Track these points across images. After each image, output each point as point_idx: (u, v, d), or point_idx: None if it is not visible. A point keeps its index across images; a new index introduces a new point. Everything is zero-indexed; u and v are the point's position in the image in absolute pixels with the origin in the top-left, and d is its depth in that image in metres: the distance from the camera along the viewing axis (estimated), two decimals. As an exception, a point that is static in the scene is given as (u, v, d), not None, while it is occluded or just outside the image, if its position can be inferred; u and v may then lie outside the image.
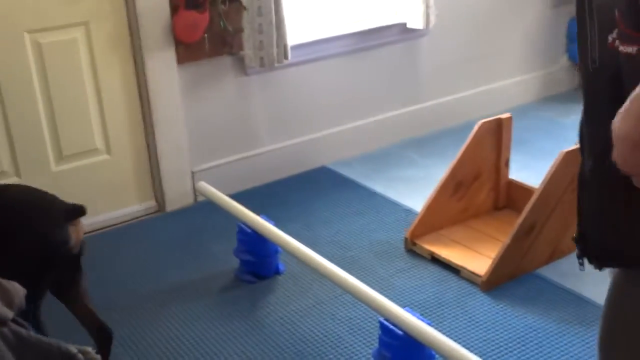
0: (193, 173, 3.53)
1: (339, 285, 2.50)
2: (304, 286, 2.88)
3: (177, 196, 3.50)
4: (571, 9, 4.61)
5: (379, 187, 3.64)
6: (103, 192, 3.37)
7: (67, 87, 3.19)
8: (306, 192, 3.62)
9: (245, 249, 2.88)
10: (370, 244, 3.16)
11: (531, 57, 4.56)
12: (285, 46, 3.51)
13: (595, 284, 2.80)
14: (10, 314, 1.27)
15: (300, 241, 2.71)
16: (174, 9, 3.27)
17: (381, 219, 3.35)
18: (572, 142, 2.95)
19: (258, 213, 2.89)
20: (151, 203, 3.52)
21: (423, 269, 2.95)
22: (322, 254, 2.92)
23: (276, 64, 3.50)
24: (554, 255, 2.95)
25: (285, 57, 3.53)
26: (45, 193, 2.18)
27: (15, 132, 3.12)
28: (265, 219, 2.83)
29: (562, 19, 4.62)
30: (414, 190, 3.58)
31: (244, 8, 3.40)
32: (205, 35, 3.35)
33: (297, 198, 3.57)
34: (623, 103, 1.08)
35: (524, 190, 3.17)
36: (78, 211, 2.15)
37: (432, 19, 3.90)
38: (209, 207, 3.25)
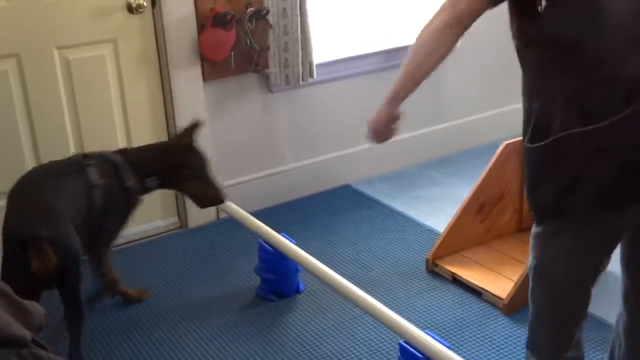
0: (217, 190, 3.54)
1: (359, 306, 2.49)
2: (324, 306, 2.88)
3: (199, 213, 3.51)
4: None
5: (401, 206, 3.64)
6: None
7: (94, 103, 3.23)
8: (328, 211, 3.62)
9: (266, 267, 2.89)
10: (391, 264, 3.15)
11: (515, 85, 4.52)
12: (310, 64, 3.52)
13: (612, 306, 2.77)
14: (29, 335, 1.28)
15: (321, 260, 2.71)
16: (201, 27, 3.30)
17: (403, 239, 3.34)
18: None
19: (280, 231, 2.89)
20: (174, 219, 3.54)
21: (444, 291, 2.93)
22: (343, 274, 2.92)
23: (301, 82, 3.52)
24: (578, 279, 2.92)
25: (311, 75, 3.55)
26: None
27: (42, 146, 3.16)
28: (286, 237, 2.83)
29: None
30: (437, 210, 3.57)
31: (270, 26, 3.42)
32: (232, 52, 3.37)
33: (320, 216, 3.57)
34: None
35: (548, 213, 3.14)
36: None
37: (458, 38, 3.89)
38: (231, 224, 3.26)
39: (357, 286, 2.53)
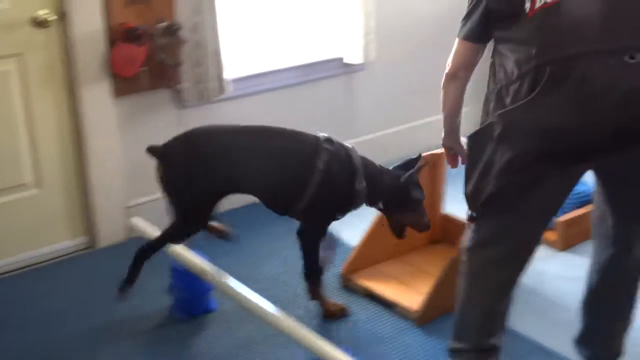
0: (128, 208, 3.48)
1: (270, 324, 2.48)
2: (237, 324, 2.85)
3: (110, 231, 3.44)
4: (507, 45, 4.72)
5: (317, 221, 3.64)
6: (31, 227, 3.30)
7: (-2, 120, 3.13)
8: (243, 227, 3.59)
9: (179, 287, 2.85)
10: (306, 279, 3.14)
11: (469, 91, 4.62)
12: (223, 80, 3.51)
13: (524, 317, 2.85)
14: None
15: (235, 277, 2.69)
16: (112, 42, 3.24)
17: (318, 254, 3.34)
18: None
19: (192, 248, 2.86)
20: (82, 239, 3.45)
21: (358, 305, 2.95)
22: (257, 290, 2.91)
23: (214, 98, 3.50)
24: (487, 290, 2.98)
25: (224, 90, 3.53)
26: None
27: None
28: (199, 254, 2.80)
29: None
30: (351, 225, 3.56)
31: (183, 41, 3.39)
32: (143, 68, 3.32)
33: (234, 233, 3.54)
34: None
35: (459, 224, 3.20)
36: None
37: (372, 53, 3.95)
38: (142, 242, 3.19)
39: (272, 303, 2.53)
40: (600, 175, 2.21)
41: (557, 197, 2.18)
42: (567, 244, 3.35)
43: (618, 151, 2.01)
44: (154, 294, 3.03)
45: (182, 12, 3.34)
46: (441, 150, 3.21)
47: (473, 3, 2.14)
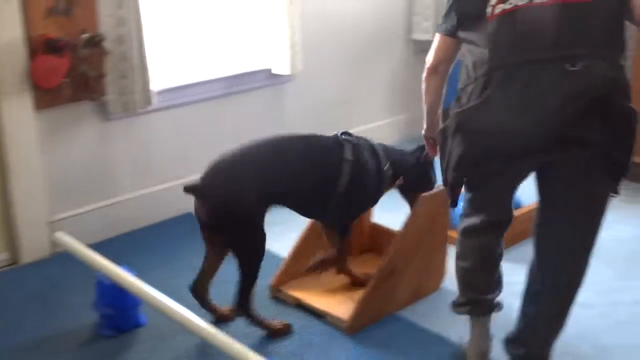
0: (52, 222, 3.39)
1: (201, 337, 2.45)
2: (166, 339, 2.81)
3: (33, 247, 3.35)
4: (431, 56, 4.81)
5: (246, 232, 3.62)
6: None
7: None
8: (171, 240, 3.56)
9: (105, 302, 2.79)
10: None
11: (396, 100, 4.71)
12: (149, 91, 3.46)
13: (452, 324, 2.90)
14: None
15: (164, 291, 2.65)
16: (32, 53, 3.17)
17: (247, 266, 3.32)
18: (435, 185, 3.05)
19: (119, 263, 2.81)
20: (4, 255, 3.35)
21: (289, 316, 2.94)
22: (186, 304, 2.87)
23: (140, 110, 3.45)
24: (415, 296, 3.03)
25: (149, 102, 3.48)
26: None
27: None
28: (126, 270, 2.75)
29: (423, 66, 4.79)
30: (281, 235, 3.58)
31: (106, 53, 3.33)
32: (66, 80, 3.25)
33: (162, 246, 3.50)
34: None
35: (387, 234, 3.25)
36: None
37: (299, 65, 3.97)
38: (67, 258, 3.12)
39: (200, 316, 2.50)
40: (538, 177, 2.35)
41: (507, 187, 2.37)
42: (493, 250, 3.41)
43: (552, 153, 2.17)
44: (79, 310, 2.96)
45: (106, 23, 3.29)
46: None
47: (450, 2, 2.31)
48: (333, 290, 3.06)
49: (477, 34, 2.20)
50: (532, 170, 2.31)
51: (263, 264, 3.28)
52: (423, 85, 2.52)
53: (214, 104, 3.87)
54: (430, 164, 2.98)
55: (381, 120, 4.65)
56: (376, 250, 3.30)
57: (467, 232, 2.49)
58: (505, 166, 2.24)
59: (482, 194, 2.40)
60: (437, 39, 2.40)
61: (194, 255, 3.40)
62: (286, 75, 4.02)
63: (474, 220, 2.44)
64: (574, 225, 2.33)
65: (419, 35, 4.60)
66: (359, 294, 2.90)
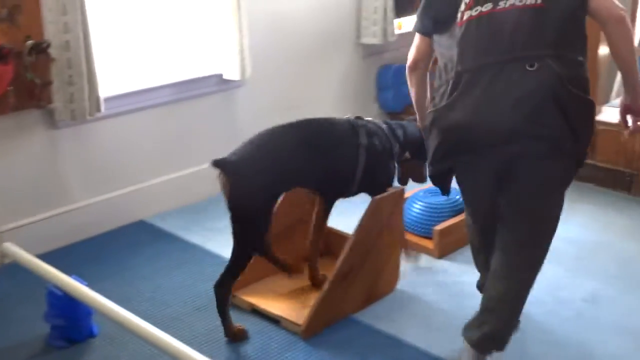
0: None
1: (155, 345, 2.43)
2: (119, 348, 2.77)
3: (-20, 259, 3.28)
4: (379, 60, 4.86)
5: (198, 239, 3.61)
6: None
7: None
8: (123, 248, 3.52)
9: (56, 313, 2.75)
10: (189, 298, 3.11)
11: (344, 105, 4.73)
12: (97, 98, 3.42)
13: (407, 325, 2.93)
14: None
15: (116, 300, 2.62)
16: (-25, 61, 3.10)
17: (201, 272, 3.31)
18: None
19: (70, 273, 2.77)
20: (-49, 268, 3.27)
21: (243, 322, 2.93)
22: (139, 312, 2.85)
23: (88, 117, 3.40)
24: (370, 299, 3.05)
25: (98, 109, 3.44)
26: None
27: None
28: (77, 279, 2.71)
29: (372, 69, 4.85)
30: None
31: (53, 60, 3.28)
32: (10, 88, 3.19)
33: (113, 254, 3.46)
34: None
35: (340, 238, 3.25)
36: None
37: (248, 70, 3.96)
38: (17, 268, 3.06)
39: (154, 324, 2.49)
40: (496, 176, 2.44)
41: (481, 185, 2.49)
42: (443, 252, 3.46)
43: (513, 145, 2.31)
44: (30, 322, 2.91)
45: (51, 29, 3.24)
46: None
47: (423, 5, 2.51)
48: (288, 295, 3.06)
49: (446, 39, 2.40)
50: (498, 166, 2.39)
51: (217, 270, 3.27)
52: (408, 83, 2.70)
53: (165, 110, 3.84)
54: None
55: (332, 124, 4.67)
56: (331, 254, 3.31)
57: (468, 233, 2.80)
58: (472, 159, 2.41)
59: (464, 193, 2.61)
60: (415, 37, 2.59)
61: (145, 264, 3.38)
62: (237, 80, 4.01)
63: (469, 228, 2.77)
64: (529, 220, 2.44)
65: (367, 40, 4.63)
66: (313, 298, 2.91)
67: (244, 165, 2.68)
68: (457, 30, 2.35)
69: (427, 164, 2.56)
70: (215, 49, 3.96)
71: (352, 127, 2.91)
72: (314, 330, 2.84)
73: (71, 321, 2.76)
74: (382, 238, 3.01)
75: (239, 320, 2.94)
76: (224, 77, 3.97)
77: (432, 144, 2.46)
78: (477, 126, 2.32)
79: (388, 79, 4.82)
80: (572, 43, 2.31)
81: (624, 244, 3.58)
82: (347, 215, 3.68)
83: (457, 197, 3.59)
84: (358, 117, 2.99)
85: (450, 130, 2.39)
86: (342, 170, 2.88)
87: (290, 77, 4.38)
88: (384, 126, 3.00)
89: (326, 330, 2.87)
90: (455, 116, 2.35)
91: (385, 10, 4.57)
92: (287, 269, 2.89)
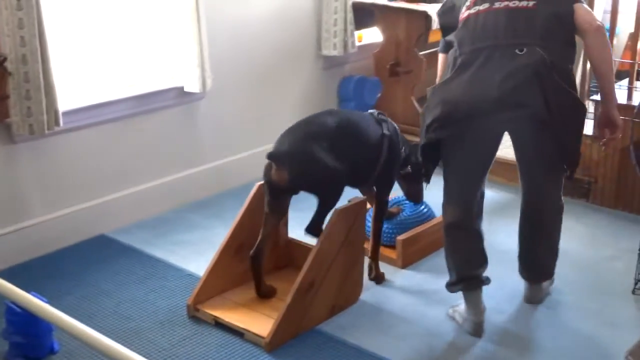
0: (-44, 250, 3.27)
1: (117, 361, 2.40)
2: (81, 364, 2.74)
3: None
4: (340, 71, 4.88)
5: (161, 252, 3.58)
6: None
7: None
8: (84, 263, 3.47)
9: (15, 330, 2.70)
10: (152, 313, 3.08)
11: (306, 116, 4.74)
12: (56, 112, 3.38)
13: (372, 335, 2.94)
14: None
15: (77, 316, 2.59)
16: None
17: (164, 286, 3.28)
18: (347, 199, 3.09)
19: (30, 289, 2.72)
20: None
21: (207, 335, 2.92)
22: (101, 328, 2.83)
23: (47, 131, 3.36)
24: (334, 310, 3.05)
25: (57, 123, 3.39)
26: None
27: None
28: (36, 296, 2.67)
29: (334, 80, 4.87)
30: (198, 254, 3.56)
31: (9, 74, 3.23)
32: (-34, 102, 3.15)
33: (74, 270, 3.41)
34: None
35: (303, 249, 3.26)
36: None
37: (209, 82, 3.95)
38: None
39: (116, 339, 2.46)
40: (512, 140, 2.92)
41: (471, 155, 2.82)
42: (407, 262, 3.48)
43: (499, 114, 2.66)
44: (-12, 340, 2.85)
45: (8, 43, 3.20)
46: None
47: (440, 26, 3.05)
48: (251, 307, 3.05)
49: (453, 36, 2.81)
50: (490, 134, 2.79)
51: (180, 283, 3.27)
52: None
53: (125, 123, 3.80)
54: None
55: (294, 136, 4.68)
56: (293, 265, 3.31)
57: (446, 213, 2.93)
58: (465, 127, 2.72)
59: (452, 164, 2.85)
60: (439, 57, 3.06)
61: (107, 279, 3.34)
62: (197, 93, 3.99)
63: (449, 201, 2.91)
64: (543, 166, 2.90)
65: (328, 51, 4.65)
66: (277, 310, 2.90)
67: (296, 152, 2.91)
68: (459, 26, 2.78)
69: (424, 131, 2.78)
70: (176, 62, 3.95)
71: (376, 119, 3.17)
72: (278, 342, 2.83)
73: (31, 338, 2.71)
74: (345, 249, 3.01)
75: (202, 334, 2.93)
76: (185, 89, 3.95)
77: (429, 117, 2.74)
78: (471, 98, 2.65)
79: (349, 91, 4.84)
80: (556, 37, 2.67)
81: (582, 251, 3.64)
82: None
83: (422, 207, 3.63)
84: (380, 114, 3.23)
85: (448, 103, 2.69)
86: (369, 157, 3.10)
87: (252, 89, 4.38)
88: (397, 132, 3.25)
89: (291, 342, 2.86)
90: (452, 90, 2.69)
91: (345, 22, 4.60)
92: None
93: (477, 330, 2.91)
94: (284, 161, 2.89)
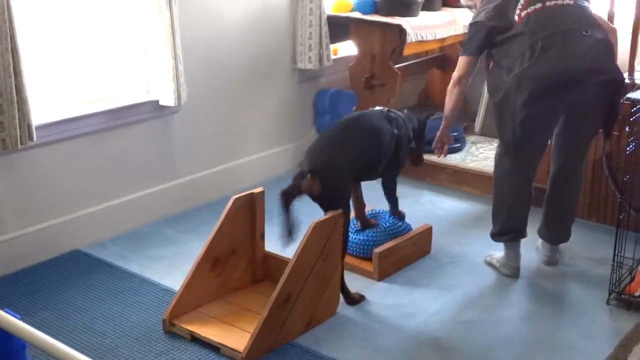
0: None
1: (92, 378, 2.37)
2: (55, 382, 2.70)
3: None
4: (316, 84, 4.89)
5: (136, 267, 3.55)
6: None
7: None
8: (58, 279, 3.44)
9: (-13, 348, 2.65)
10: (127, 328, 3.05)
11: (282, 130, 4.75)
12: (29, 126, 3.34)
13: (349, 348, 2.94)
14: None
15: (51, 332, 2.56)
16: None
17: (139, 302, 3.26)
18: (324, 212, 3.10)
19: (2, 306, 2.68)
20: None
21: (183, 350, 2.90)
22: (75, 344, 2.81)
23: (20, 146, 3.32)
24: (310, 324, 3.04)
25: (30, 138, 3.36)
26: None
27: None
28: (9, 312, 2.62)
29: (309, 94, 4.88)
30: (173, 269, 3.53)
31: (-19, 88, 3.20)
32: (-63, 117, 3.11)
33: (48, 286, 3.37)
34: None
35: (280, 262, 3.26)
36: None
37: (184, 96, 3.94)
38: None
39: (91, 356, 2.44)
40: (567, 109, 3.31)
41: (555, 123, 3.38)
42: (383, 275, 3.48)
43: (587, 80, 3.20)
44: (-41, 359, 2.81)
45: (-20, 56, 3.17)
46: (260, 189, 3.31)
47: (474, 30, 3.40)
48: (228, 322, 3.03)
49: (512, 32, 3.26)
50: (565, 105, 3.28)
51: (156, 298, 3.24)
52: (447, 95, 3.53)
53: (100, 137, 3.77)
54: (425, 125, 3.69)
55: (268, 150, 4.67)
56: (270, 279, 3.31)
57: (513, 178, 3.41)
58: (557, 98, 3.23)
59: (534, 141, 3.35)
60: (461, 60, 3.45)
61: (81, 294, 3.31)
62: (172, 107, 3.98)
63: (522, 169, 3.41)
64: (583, 128, 3.42)
65: (303, 65, 4.66)
66: (254, 324, 2.89)
67: (328, 166, 3.14)
68: (520, 24, 3.25)
69: (513, 119, 3.26)
70: (151, 75, 3.94)
71: (388, 119, 3.45)
72: (254, 357, 2.82)
73: (3, 356, 2.66)
74: (322, 262, 3.01)
75: (178, 349, 2.91)
76: (160, 103, 3.94)
77: (520, 97, 3.20)
78: (565, 69, 3.18)
79: (325, 104, 4.85)
80: (595, 21, 3.31)
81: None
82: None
83: (399, 224, 3.64)
84: (389, 110, 3.52)
85: (541, 78, 3.17)
86: (381, 158, 3.39)
87: (227, 102, 4.37)
88: (405, 118, 3.55)
89: (267, 357, 2.85)
90: (540, 69, 3.17)
91: (320, 35, 4.62)
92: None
93: (515, 273, 3.48)
94: (320, 176, 3.11)
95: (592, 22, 3.28)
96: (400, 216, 3.73)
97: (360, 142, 3.29)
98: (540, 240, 3.64)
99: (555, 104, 3.25)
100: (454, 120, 3.66)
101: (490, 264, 3.58)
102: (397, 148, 3.44)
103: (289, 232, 3.09)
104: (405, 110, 3.67)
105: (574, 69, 3.20)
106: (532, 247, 3.66)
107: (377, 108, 3.59)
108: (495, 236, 3.51)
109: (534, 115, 3.25)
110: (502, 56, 3.32)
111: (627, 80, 3.46)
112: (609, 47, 3.27)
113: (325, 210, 3.11)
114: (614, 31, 3.38)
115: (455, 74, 3.46)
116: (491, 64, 3.45)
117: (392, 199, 3.70)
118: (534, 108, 3.22)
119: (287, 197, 3.13)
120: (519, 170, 3.41)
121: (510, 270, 3.48)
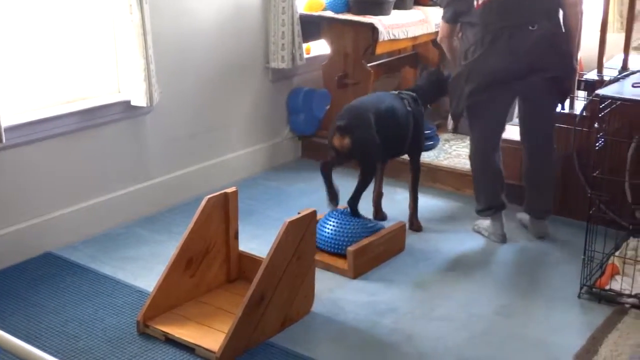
0: None
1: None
2: (27, 386, 2.67)
3: None
4: (289, 84, 4.89)
5: (109, 269, 3.52)
6: None
7: None
8: (29, 282, 3.40)
9: (-42, 352, 2.62)
10: (100, 331, 3.02)
11: (255, 129, 4.74)
12: (-1, 128, 3.31)
13: (324, 347, 2.94)
14: None
15: (22, 336, 2.54)
16: None
17: (112, 304, 3.23)
18: (297, 210, 3.10)
19: (-28, 310, 2.65)
20: None
21: (158, 352, 2.88)
22: (48, 348, 2.77)
23: (-11, 147, 3.29)
24: (285, 323, 3.04)
25: (0, 139, 3.33)
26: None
27: None
28: (-20, 317, 2.60)
29: (282, 93, 4.87)
30: (147, 270, 3.51)
31: (-51, 89, 3.17)
32: None
33: (19, 289, 3.33)
34: None
35: (254, 261, 3.25)
36: None
37: (156, 96, 3.91)
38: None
39: (64, 359, 2.40)
40: (520, 98, 3.76)
41: (499, 110, 3.73)
42: (357, 272, 3.49)
43: (528, 77, 3.53)
44: None
45: (-52, 57, 3.13)
46: (233, 188, 3.30)
47: (446, 3, 3.76)
48: (202, 322, 3.02)
49: (470, 18, 3.58)
50: (514, 95, 3.71)
51: (129, 300, 3.22)
52: (444, 46, 3.92)
53: (71, 138, 3.74)
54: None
55: (241, 150, 4.66)
56: (244, 278, 3.30)
57: (477, 155, 3.80)
58: (500, 90, 3.59)
59: (482, 120, 3.71)
60: (441, 22, 3.84)
61: (53, 297, 3.28)
62: (144, 107, 3.95)
63: (478, 145, 3.78)
64: (542, 118, 3.77)
65: (276, 64, 4.66)
66: (228, 324, 2.87)
67: (356, 123, 3.59)
68: (478, 11, 3.52)
69: (458, 103, 3.68)
70: (122, 76, 3.91)
71: (401, 98, 3.84)
72: (229, 357, 2.81)
73: (-26, 361, 2.64)
74: (296, 261, 3.01)
75: (153, 350, 2.89)
76: (132, 103, 3.91)
77: (469, 85, 3.58)
78: (506, 67, 3.51)
79: (298, 103, 4.85)
80: (555, 13, 3.56)
81: (529, 257, 3.70)
82: (260, 239, 3.68)
83: (372, 224, 3.65)
84: (400, 92, 3.92)
85: (488, 74, 3.54)
86: (400, 133, 3.77)
87: (200, 102, 4.35)
88: (414, 96, 3.91)
89: (243, 357, 2.84)
90: (487, 63, 3.53)
91: (293, 35, 4.61)
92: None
93: (503, 239, 3.81)
94: (349, 131, 3.54)
95: (545, 11, 3.52)
96: (416, 228, 3.98)
97: (382, 112, 3.68)
98: (527, 217, 3.94)
99: (500, 95, 3.62)
100: (458, 57, 3.86)
101: (478, 232, 3.92)
102: (415, 125, 3.82)
103: (334, 197, 3.58)
104: (425, 72, 4.13)
105: (517, 67, 3.52)
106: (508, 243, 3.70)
107: (391, 92, 3.98)
108: (480, 212, 3.85)
109: (479, 103, 3.63)
110: (464, 34, 3.68)
111: (573, 74, 3.76)
112: (553, 41, 3.52)
113: (361, 171, 3.62)
114: (574, 4, 3.61)
115: (438, 36, 3.91)
116: (460, 34, 3.81)
117: (414, 193, 3.97)
118: (479, 97, 3.60)
119: (327, 167, 3.61)
120: (479, 150, 3.80)
121: (498, 238, 3.82)
